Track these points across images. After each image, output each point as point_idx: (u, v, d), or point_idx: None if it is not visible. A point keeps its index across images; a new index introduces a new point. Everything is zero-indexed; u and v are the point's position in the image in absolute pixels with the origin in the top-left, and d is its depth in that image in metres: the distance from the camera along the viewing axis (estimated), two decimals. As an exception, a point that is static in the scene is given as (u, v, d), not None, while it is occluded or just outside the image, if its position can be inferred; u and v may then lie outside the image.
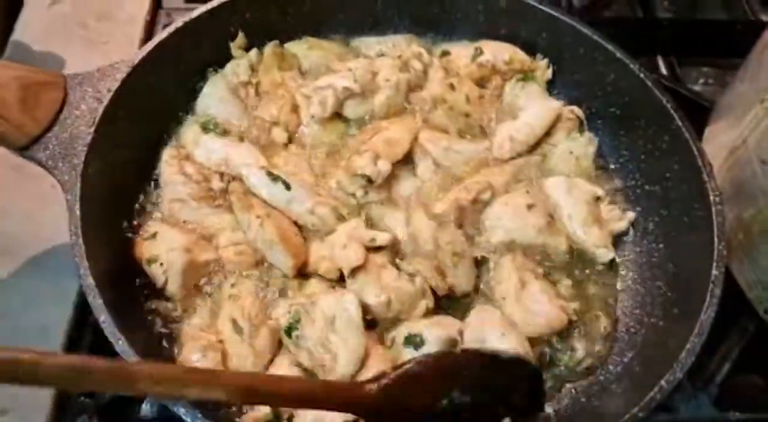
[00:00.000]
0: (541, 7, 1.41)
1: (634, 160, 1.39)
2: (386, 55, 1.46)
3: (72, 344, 1.28)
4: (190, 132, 1.38)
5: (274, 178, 1.25)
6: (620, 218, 1.33)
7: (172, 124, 1.43)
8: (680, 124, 1.24)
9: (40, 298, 1.30)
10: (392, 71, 1.36)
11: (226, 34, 1.47)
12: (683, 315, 1.13)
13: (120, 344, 1.00)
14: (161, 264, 1.18)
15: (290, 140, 1.37)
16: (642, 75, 1.31)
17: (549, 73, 1.46)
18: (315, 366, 1.09)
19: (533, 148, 1.39)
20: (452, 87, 1.41)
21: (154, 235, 1.23)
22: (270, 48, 1.45)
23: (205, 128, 1.37)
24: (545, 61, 1.47)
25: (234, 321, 1.13)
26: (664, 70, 1.73)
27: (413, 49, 1.45)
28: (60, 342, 1.26)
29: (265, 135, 1.38)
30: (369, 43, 1.51)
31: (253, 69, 1.42)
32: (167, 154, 1.35)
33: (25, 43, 1.67)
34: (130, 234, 1.28)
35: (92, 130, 1.22)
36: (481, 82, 1.46)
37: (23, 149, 1.19)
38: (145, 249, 1.22)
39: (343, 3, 1.50)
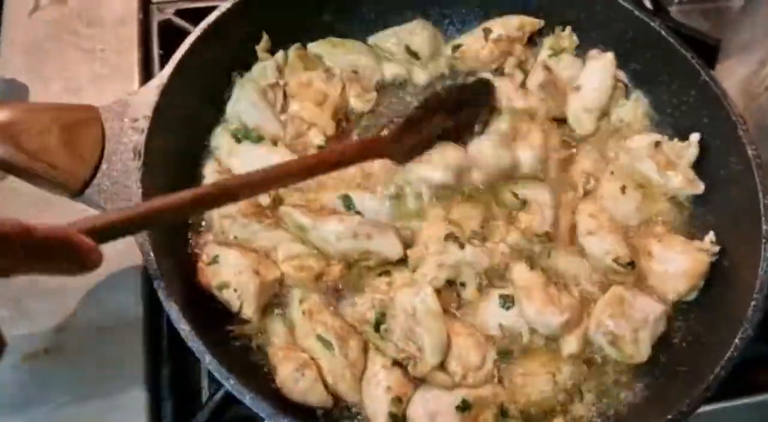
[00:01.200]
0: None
1: (660, 115, 1.45)
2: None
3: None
4: (223, 142, 1.38)
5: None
6: (687, 145, 1.38)
7: (208, 134, 1.44)
8: (707, 78, 1.30)
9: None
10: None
11: (244, 36, 1.46)
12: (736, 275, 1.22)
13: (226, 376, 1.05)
14: (234, 289, 1.19)
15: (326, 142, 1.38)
16: (663, 31, 1.35)
17: (575, 39, 1.51)
18: (404, 359, 1.16)
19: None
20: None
21: (216, 259, 1.24)
22: (294, 50, 1.46)
23: (237, 136, 1.38)
24: (568, 30, 1.51)
25: (320, 338, 1.17)
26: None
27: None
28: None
29: (302, 137, 1.42)
30: (385, 36, 1.54)
31: (280, 71, 1.43)
32: (208, 169, 1.35)
33: (10, 58, 1.59)
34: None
35: (141, 163, 1.22)
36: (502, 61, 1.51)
37: (78, 194, 1.18)
38: (211, 274, 1.23)
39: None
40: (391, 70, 1.50)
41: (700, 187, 1.36)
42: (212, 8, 1.39)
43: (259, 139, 1.39)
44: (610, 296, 1.26)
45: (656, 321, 1.25)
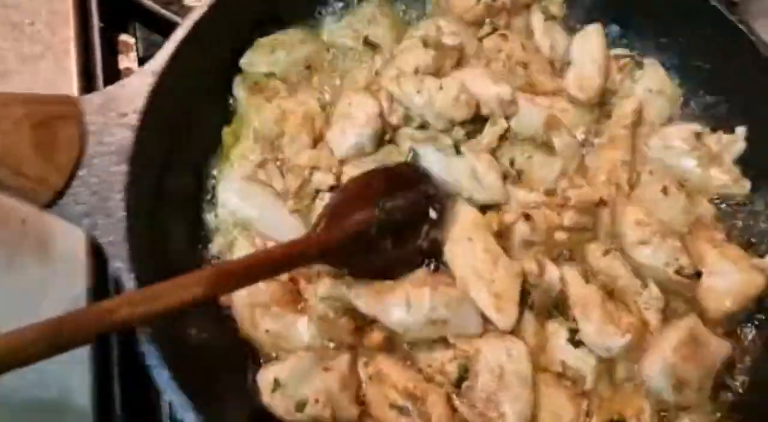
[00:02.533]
0: None
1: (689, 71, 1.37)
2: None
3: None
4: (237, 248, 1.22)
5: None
6: (733, 140, 1.31)
7: (209, 133, 1.27)
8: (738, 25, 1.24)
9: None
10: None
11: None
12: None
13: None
14: (316, 400, 1.07)
15: (338, 179, 1.23)
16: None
17: (564, 8, 1.45)
18: None
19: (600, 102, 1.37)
20: (505, 36, 1.37)
21: (276, 383, 1.08)
22: (240, 87, 1.31)
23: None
24: None
25: (393, 406, 1.08)
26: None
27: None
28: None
29: (307, 185, 1.23)
30: (338, 29, 1.41)
31: (257, 140, 1.27)
32: (238, 249, 1.21)
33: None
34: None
35: (128, 168, 1.04)
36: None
37: (50, 205, 1.00)
38: (279, 400, 1.08)
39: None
40: None
41: (746, 186, 1.30)
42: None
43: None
44: (685, 334, 1.15)
45: (719, 365, 1.17)
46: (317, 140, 1.28)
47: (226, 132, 1.29)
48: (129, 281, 0.98)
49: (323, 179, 1.22)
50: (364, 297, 1.13)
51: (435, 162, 1.24)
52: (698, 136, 1.31)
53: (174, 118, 1.15)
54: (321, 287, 1.14)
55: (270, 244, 1.19)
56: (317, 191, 1.22)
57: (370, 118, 1.23)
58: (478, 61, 1.36)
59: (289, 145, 1.26)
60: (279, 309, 1.14)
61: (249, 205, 1.22)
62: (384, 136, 1.27)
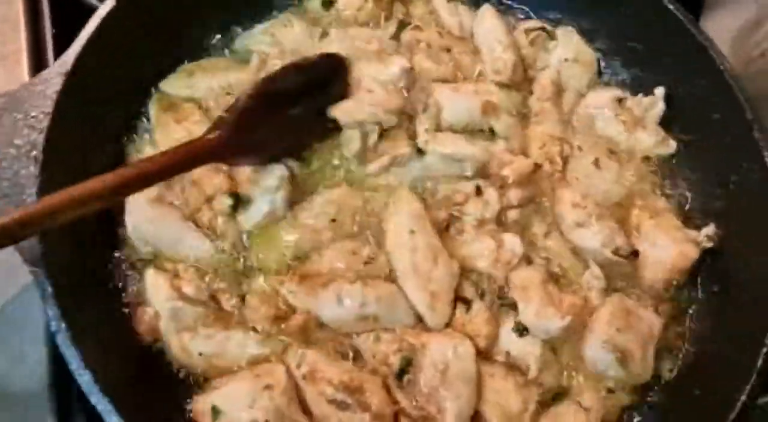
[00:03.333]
0: None
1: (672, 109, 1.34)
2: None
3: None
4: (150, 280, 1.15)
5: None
6: (652, 102, 1.34)
7: (123, 132, 1.25)
8: (721, 66, 1.20)
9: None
10: None
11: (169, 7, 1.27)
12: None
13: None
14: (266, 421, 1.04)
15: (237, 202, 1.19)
16: (680, 15, 1.26)
17: None
18: (419, 417, 1.08)
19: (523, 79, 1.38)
20: (419, 28, 1.39)
21: (217, 412, 1.05)
22: (155, 105, 1.28)
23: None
24: None
25: (331, 402, 1.06)
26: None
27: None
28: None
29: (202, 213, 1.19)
30: (253, 37, 1.38)
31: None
32: (151, 278, 1.15)
33: None
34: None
35: (38, 170, 1.03)
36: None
37: None
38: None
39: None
40: None
41: (672, 146, 1.32)
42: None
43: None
44: (617, 307, 1.16)
45: (657, 335, 1.18)
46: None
47: (132, 148, 1.26)
48: (45, 284, 0.97)
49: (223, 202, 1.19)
50: (296, 293, 1.14)
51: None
52: (620, 101, 1.34)
53: (85, 121, 1.14)
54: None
55: (180, 267, 1.16)
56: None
57: (282, 180, 1.18)
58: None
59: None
60: (207, 330, 1.11)
61: (157, 229, 1.17)
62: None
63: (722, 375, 1.11)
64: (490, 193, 1.22)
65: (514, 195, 1.22)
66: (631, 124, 1.32)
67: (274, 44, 1.35)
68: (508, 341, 1.15)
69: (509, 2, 1.46)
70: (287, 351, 1.13)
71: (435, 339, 1.11)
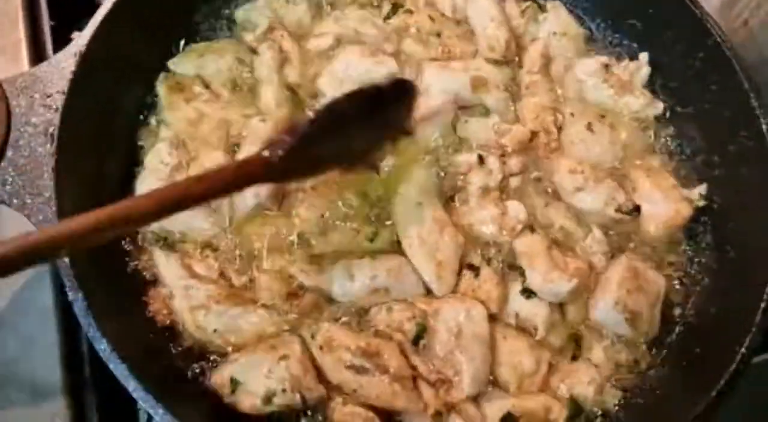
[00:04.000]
0: None
1: (660, 79, 1.41)
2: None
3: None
4: (160, 260, 1.19)
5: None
6: (637, 67, 1.40)
7: (138, 112, 1.29)
8: (719, 39, 1.25)
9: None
10: None
11: None
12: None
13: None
14: (283, 389, 1.08)
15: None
16: None
17: None
18: (437, 380, 1.11)
19: (516, 54, 1.43)
20: (411, 12, 1.44)
21: (236, 383, 1.09)
22: (163, 82, 1.31)
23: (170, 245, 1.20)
24: None
25: (350, 367, 1.10)
26: None
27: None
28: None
29: None
30: (255, 9, 1.42)
31: (173, 144, 1.25)
32: (161, 258, 1.19)
33: None
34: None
35: (55, 147, 1.07)
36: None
37: None
38: (244, 399, 1.09)
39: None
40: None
41: (659, 107, 1.38)
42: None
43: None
44: (625, 269, 1.21)
45: (663, 294, 1.23)
46: (230, 148, 1.27)
47: (145, 130, 1.30)
48: (62, 261, 0.99)
49: None
50: (307, 271, 1.17)
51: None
52: (606, 67, 1.40)
53: (100, 100, 1.18)
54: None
55: (189, 246, 1.20)
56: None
57: None
58: (391, 44, 1.40)
59: (201, 149, 1.26)
60: (220, 307, 1.14)
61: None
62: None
63: (722, 332, 1.16)
64: (493, 162, 1.27)
65: (514, 162, 1.28)
66: (619, 88, 1.38)
67: (276, 19, 1.40)
68: (517, 304, 1.19)
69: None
70: (301, 325, 1.16)
71: (447, 304, 1.15)
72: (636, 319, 1.18)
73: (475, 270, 1.21)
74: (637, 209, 1.25)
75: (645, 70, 1.39)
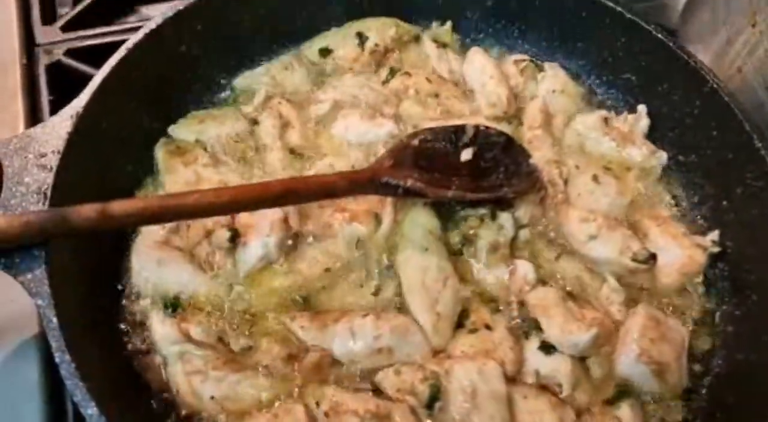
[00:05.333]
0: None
1: (660, 129, 1.42)
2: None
3: None
4: (156, 324, 1.14)
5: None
6: (637, 118, 1.42)
7: (131, 174, 1.29)
8: (715, 85, 1.27)
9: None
10: None
11: (180, 51, 1.36)
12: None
13: None
14: None
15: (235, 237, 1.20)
16: (660, 35, 1.35)
17: (453, 35, 1.56)
18: None
19: (516, 111, 1.46)
20: (408, 74, 1.47)
21: None
22: (162, 149, 1.32)
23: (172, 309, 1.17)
24: (447, 25, 1.55)
25: None
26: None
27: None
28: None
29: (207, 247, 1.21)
30: (255, 76, 1.47)
31: None
32: (157, 322, 1.14)
33: None
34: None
35: (47, 205, 1.05)
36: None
37: None
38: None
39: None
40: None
41: (663, 156, 1.39)
42: (111, 44, 1.32)
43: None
44: (645, 317, 1.17)
45: (687, 344, 1.19)
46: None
47: (142, 193, 1.29)
48: (52, 318, 0.96)
49: (221, 235, 1.20)
50: (308, 329, 1.14)
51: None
52: (606, 120, 1.42)
53: (96, 160, 1.18)
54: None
55: (187, 310, 1.16)
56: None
57: (275, 224, 1.19)
58: (390, 107, 1.43)
59: None
60: (218, 373, 1.09)
61: (163, 271, 1.18)
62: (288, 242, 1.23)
63: (755, 379, 1.11)
64: (506, 218, 1.25)
65: (523, 213, 1.26)
66: (621, 140, 1.40)
67: (275, 85, 1.43)
68: (536, 361, 1.14)
69: (497, 46, 1.57)
70: (304, 390, 1.10)
71: (459, 364, 1.10)
72: (663, 371, 1.12)
73: (489, 328, 1.16)
74: (653, 257, 1.22)
75: (644, 122, 1.42)
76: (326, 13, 1.50)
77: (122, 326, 1.15)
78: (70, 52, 1.55)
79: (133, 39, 1.24)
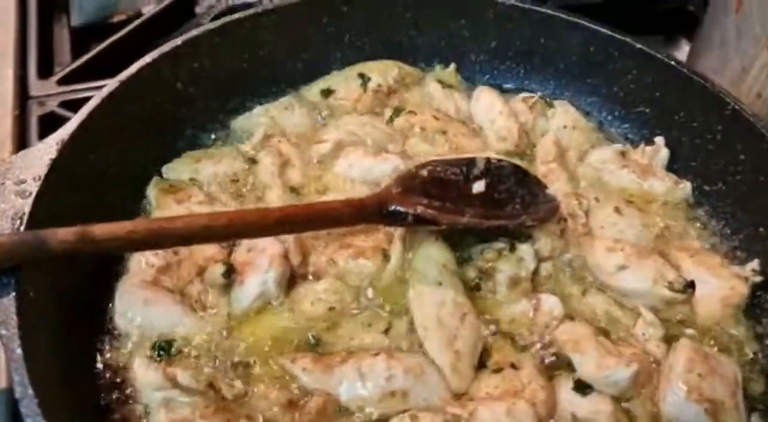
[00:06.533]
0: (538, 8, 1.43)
1: (682, 160, 1.35)
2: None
3: None
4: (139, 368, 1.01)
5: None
6: (656, 149, 1.36)
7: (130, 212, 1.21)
8: (737, 107, 1.21)
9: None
10: None
11: (169, 87, 1.30)
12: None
13: None
14: None
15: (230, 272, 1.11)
16: (674, 63, 1.32)
17: (457, 76, 1.52)
18: None
19: (527, 147, 1.41)
20: (414, 113, 1.42)
21: None
22: (154, 188, 1.25)
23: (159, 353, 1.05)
24: (452, 67, 1.52)
25: None
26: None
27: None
28: None
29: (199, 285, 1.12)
30: (254, 117, 1.41)
31: None
32: (140, 367, 1.01)
33: None
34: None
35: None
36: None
37: None
38: None
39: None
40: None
41: (687, 187, 1.31)
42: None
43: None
44: (691, 350, 1.04)
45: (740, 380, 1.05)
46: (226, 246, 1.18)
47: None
48: (16, 349, 0.85)
49: (215, 270, 1.10)
50: (311, 372, 1.01)
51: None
52: (623, 154, 1.35)
53: (79, 194, 1.10)
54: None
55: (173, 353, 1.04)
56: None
57: (274, 259, 1.10)
58: (395, 145, 1.37)
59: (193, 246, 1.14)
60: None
61: (150, 312, 1.07)
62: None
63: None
64: (525, 250, 1.15)
65: (543, 245, 1.17)
66: (641, 172, 1.32)
67: (274, 126, 1.37)
68: (571, 403, 1.01)
69: (504, 85, 1.52)
70: (307, 442, 0.95)
71: (483, 405, 0.97)
72: (718, 411, 0.98)
73: (516, 368, 1.04)
74: (691, 285, 1.11)
75: (663, 153, 1.35)
76: (327, 57, 1.47)
77: (100, 369, 1.02)
78: (64, 104, 1.51)
79: (128, 71, 1.20)
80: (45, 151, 1.05)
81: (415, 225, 1.13)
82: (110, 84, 1.17)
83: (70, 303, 1.03)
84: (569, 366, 1.04)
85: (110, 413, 0.98)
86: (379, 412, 0.99)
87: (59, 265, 1.01)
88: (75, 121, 1.10)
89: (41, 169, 1.02)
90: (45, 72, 1.60)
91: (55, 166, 1.03)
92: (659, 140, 1.37)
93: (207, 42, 1.32)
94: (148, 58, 1.23)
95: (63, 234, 0.89)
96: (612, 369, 1.00)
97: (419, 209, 1.10)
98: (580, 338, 1.05)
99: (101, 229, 0.91)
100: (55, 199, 1.02)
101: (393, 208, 1.10)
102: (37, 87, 1.56)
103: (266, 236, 1.07)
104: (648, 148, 1.37)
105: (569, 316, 1.11)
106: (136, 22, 1.72)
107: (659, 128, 1.38)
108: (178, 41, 1.27)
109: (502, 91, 1.48)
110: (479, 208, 1.16)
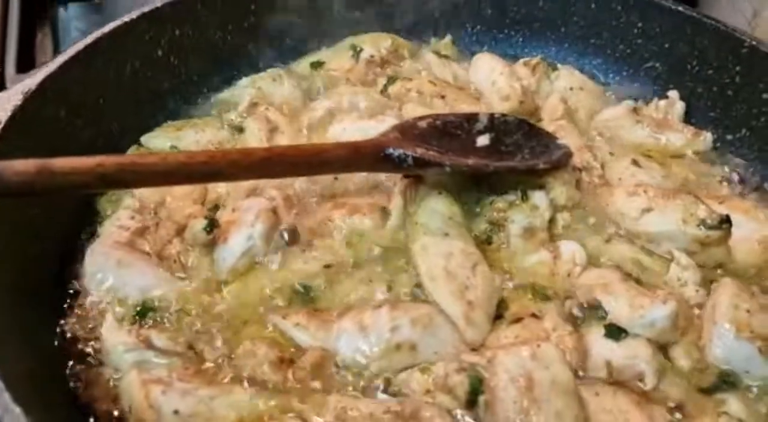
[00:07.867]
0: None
1: (699, 112, 1.28)
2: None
3: None
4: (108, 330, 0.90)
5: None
6: (670, 103, 1.28)
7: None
8: (754, 42, 1.15)
9: None
10: None
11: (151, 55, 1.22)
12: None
13: None
14: None
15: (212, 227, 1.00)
16: (681, 8, 1.27)
17: (453, 48, 1.46)
18: None
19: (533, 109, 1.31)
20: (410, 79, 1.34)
21: None
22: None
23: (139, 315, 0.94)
24: (445, 38, 1.46)
25: None
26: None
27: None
28: None
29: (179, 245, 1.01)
30: (239, 89, 1.32)
31: (137, 210, 1.08)
32: (109, 329, 0.90)
33: None
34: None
35: None
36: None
37: None
38: None
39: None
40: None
41: (708, 138, 1.23)
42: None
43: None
44: (736, 286, 0.93)
45: None
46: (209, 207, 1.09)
47: (103, 200, 1.10)
48: None
49: (196, 224, 1.00)
50: (306, 327, 0.90)
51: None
52: (635, 110, 1.27)
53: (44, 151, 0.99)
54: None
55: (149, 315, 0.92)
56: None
57: (261, 213, 1.01)
58: (391, 111, 1.27)
59: (175, 208, 1.07)
60: (185, 384, 0.83)
61: (124, 272, 0.96)
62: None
63: None
64: (539, 197, 1.05)
65: (559, 193, 1.06)
66: (656, 126, 1.25)
67: (262, 97, 1.28)
68: (605, 350, 0.88)
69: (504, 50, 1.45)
70: (301, 402, 0.82)
71: (504, 351, 0.84)
72: (773, 346, 0.86)
73: (538, 318, 0.91)
74: (727, 220, 0.99)
75: (679, 106, 1.28)
76: (319, 30, 1.39)
77: (65, 335, 0.90)
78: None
79: (107, 27, 1.13)
80: (7, 99, 0.96)
81: (417, 169, 1.03)
82: (83, 40, 1.10)
83: (34, 262, 0.93)
84: (598, 314, 0.92)
85: (75, 379, 0.86)
86: (383, 369, 0.86)
87: (22, 227, 0.91)
88: (42, 73, 1.02)
89: (2, 114, 0.94)
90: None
91: (16, 117, 0.94)
92: (673, 94, 1.29)
93: (189, 8, 1.25)
94: (126, 18, 1.16)
95: (21, 166, 0.79)
96: (647, 308, 0.89)
97: (419, 151, 1.01)
98: (608, 280, 0.94)
99: (64, 162, 0.81)
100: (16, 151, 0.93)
101: (391, 150, 1.01)
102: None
103: (250, 178, 0.97)
104: (662, 102, 1.29)
105: (593, 265, 1.00)
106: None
107: (672, 82, 1.31)
108: (158, 2, 1.20)
109: (504, 58, 1.39)
110: (485, 158, 1.07)
